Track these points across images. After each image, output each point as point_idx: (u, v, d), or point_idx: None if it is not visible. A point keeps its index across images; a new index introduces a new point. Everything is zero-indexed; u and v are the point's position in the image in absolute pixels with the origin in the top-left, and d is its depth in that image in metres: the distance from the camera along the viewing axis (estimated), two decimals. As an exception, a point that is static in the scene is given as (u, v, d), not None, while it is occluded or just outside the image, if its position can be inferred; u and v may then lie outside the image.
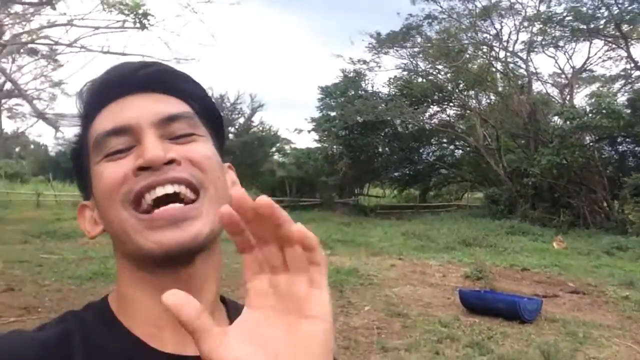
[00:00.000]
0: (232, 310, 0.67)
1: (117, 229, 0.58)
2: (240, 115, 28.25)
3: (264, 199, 0.39)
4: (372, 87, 24.55)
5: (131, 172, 0.56)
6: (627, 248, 12.02)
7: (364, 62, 23.89)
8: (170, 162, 0.56)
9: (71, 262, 8.23)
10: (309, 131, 24.75)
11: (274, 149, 28.24)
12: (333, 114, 20.60)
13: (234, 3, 9.56)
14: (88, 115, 0.63)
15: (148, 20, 7.55)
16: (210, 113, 0.67)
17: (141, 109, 0.60)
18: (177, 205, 0.56)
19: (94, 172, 0.60)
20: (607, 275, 9.35)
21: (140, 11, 7.35)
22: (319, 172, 22.85)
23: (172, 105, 0.61)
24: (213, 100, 0.69)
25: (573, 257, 11.46)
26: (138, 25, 7.56)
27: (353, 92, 22.80)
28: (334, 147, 23.22)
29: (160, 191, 0.55)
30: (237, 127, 27.81)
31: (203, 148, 0.61)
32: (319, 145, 24.41)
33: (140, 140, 0.58)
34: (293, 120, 70.91)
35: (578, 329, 5.95)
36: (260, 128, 28.51)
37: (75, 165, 0.66)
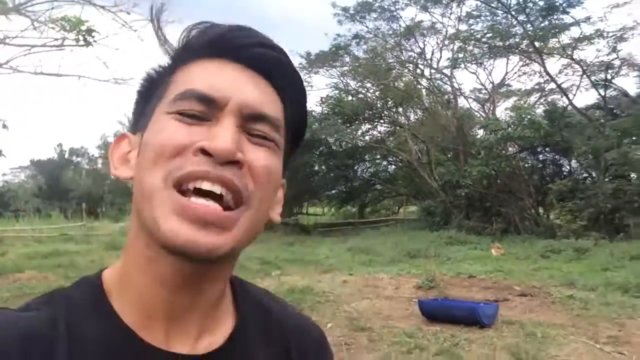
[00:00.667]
0: (240, 293, 0.65)
1: (145, 193, 0.52)
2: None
3: None
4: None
5: (192, 148, 0.51)
6: (559, 250, 12.70)
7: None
8: (234, 162, 0.52)
9: (6, 300, 7.53)
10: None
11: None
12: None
13: (173, 21, 9.27)
14: (185, 57, 0.58)
15: (93, 37, 7.15)
16: (299, 125, 0.63)
17: (239, 89, 0.55)
18: (216, 207, 0.51)
19: (158, 118, 0.55)
20: (547, 277, 9.79)
21: (84, 27, 6.95)
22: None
23: (268, 101, 0.57)
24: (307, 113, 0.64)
25: (512, 262, 11.94)
26: (82, 42, 7.14)
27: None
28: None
29: (206, 186, 0.51)
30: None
31: (271, 160, 0.56)
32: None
33: (219, 120, 0.53)
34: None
35: (536, 330, 6.14)
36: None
37: (142, 93, 0.61)
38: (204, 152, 0.51)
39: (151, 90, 0.60)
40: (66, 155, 39.52)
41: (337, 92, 25.33)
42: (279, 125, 0.57)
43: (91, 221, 26.71)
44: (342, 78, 25.05)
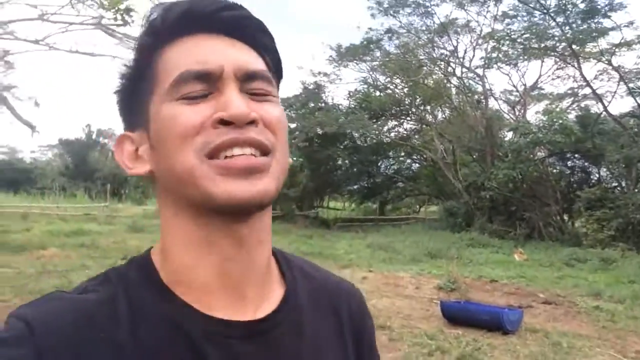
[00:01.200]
0: (283, 262, 0.68)
1: (183, 175, 0.55)
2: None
3: None
4: (332, 99, 24.65)
5: (210, 123, 0.55)
6: (585, 260, 12.39)
7: (325, 74, 23.99)
8: (251, 122, 0.55)
9: (29, 276, 7.64)
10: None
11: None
12: (293, 125, 20.49)
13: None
14: (158, 43, 0.59)
15: (131, 16, 7.11)
16: (278, 69, 0.66)
17: (226, 56, 0.57)
18: (251, 156, 0.55)
19: (162, 110, 0.57)
20: (572, 286, 9.55)
21: (122, 6, 6.90)
22: (279, 184, 22.60)
23: (254, 60, 0.60)
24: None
25: (535, 268, 11.69)
26: (119, 21, 7.09)
27: (313, 104, 22.79)
28: (294, 158, 23.08)
29: (237, 151, 0.54)
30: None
31: (276, 110, 0.60)
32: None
33: (221, 90, 0.56)
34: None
35: (561, 339, 5.97)
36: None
37: (128, 90, 0.62)
38: (223, 122, 0.54)
39: (134, 86, 0.61)
40: (94, 136, 40.06)
41: (365, 86, 25.14)
42: (270, 78, 0.61)
43: (115, 202, 27.06)
44: (371, 73, 24.81)
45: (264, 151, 0.56)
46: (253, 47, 0.61)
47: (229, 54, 0.58)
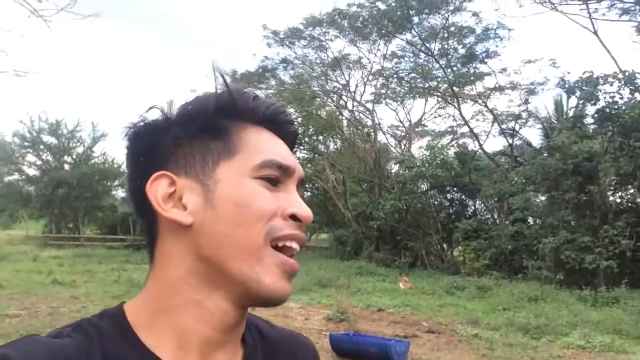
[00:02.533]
0: (248, 331, 0.69)
1: (246, 249, 0.59)
2: (79, 143, 25.78)
3: None
4: (227, 125, 24.20)
5: (282, 215, 0.61)
6: (463, 287, 13.08)
7: (218, 99, 23.57)
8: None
9: None
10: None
11: (116, 183, 26.10)
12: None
13: (91, 15, 8.59)
14: (234, 115, 0.64)
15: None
16: None
17: (295, 161, 0.65)
18: (295, 262, 0.62)
19: (244, 183, 0.61)
20: (453, 314, 9.97)
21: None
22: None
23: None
24: None
25: (419, 296, 12.10)
26: None
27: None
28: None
29: (294, 245, 0.61)
30: (74, 156, 25.25)
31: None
32: (167, 181, 23.20)
33: (288, 187, 0.64)
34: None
35: (445, 369, 6.12)
36: (102, 159, 26.26)
37: (191, 137, 0.63)
38: (293, 217, 0.61)
39: (202, 140, 0.63)
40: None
41: (259, 114, 25.03)
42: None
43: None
44: (265, 101, 24.82)
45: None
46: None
47: (294, 158, 0.66)
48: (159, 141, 0.64)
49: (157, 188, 0.61)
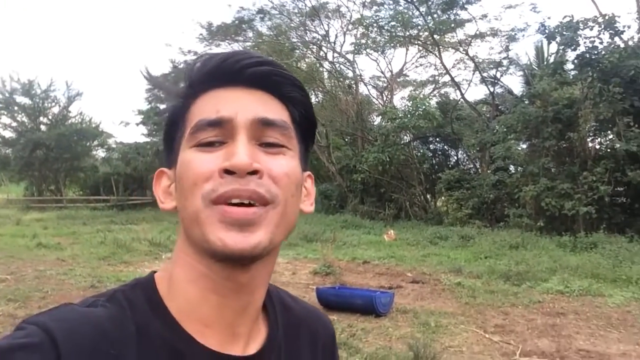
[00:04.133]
0: (266, 297, 0.69)
1: (191, 216, 0.59)
2: (54, 103, 25.08)
3: None
4: (204, 80, 23.76)
5: (217, 172, 0.58)
6: (446, 237, 13.32)
7: (195, 53, 23.01)
8: (254, 172, 0.58)
9: None
10: (137, 124, 23.05)
11: (95, 143, 25.64)
12: (163, 106, 19.37)
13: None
14: (193, 92, 0.64)
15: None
16: (308, 122, 0.68)
17: (243, 106, 0.61)
18: (247, 209, 0.58)
19: (182, 155, 0.62)
20: (436, 263, 10.18)
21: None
22: (149, 168, 21.36)
23: (273, 110, 0.63)
24: (313, 108, 0.70)
25: (404, 247, 12.31)
26: None
27: (184, 84, 21.78)
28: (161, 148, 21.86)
29: (237, 201, 0.58)
30: (50, 117, 24.60)
31: (287, 164, 0.62)
32: (148, 139, 22.83)
33: (233, 137, 0.60)
34: (118, 112, 64.70)
35: (429, 319, 6.28)
36: (79, 119, 25.63)
37: (167, 132, 0.67)
38: (227, 171, 0.58)
39: (173, 131, 0.65)
40: None
41: (238, 67, 24.56)
42: (287, 127, 0.63)
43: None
44: (244, 54, 24.29)
45: (263, 203, 0.58)
46: (279, 98, 0.64)
47: (245, 104, 0.61)
48: (165, 137, 0.68)
49: (158, 185, 0.67)
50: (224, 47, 23.50)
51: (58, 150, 23.29)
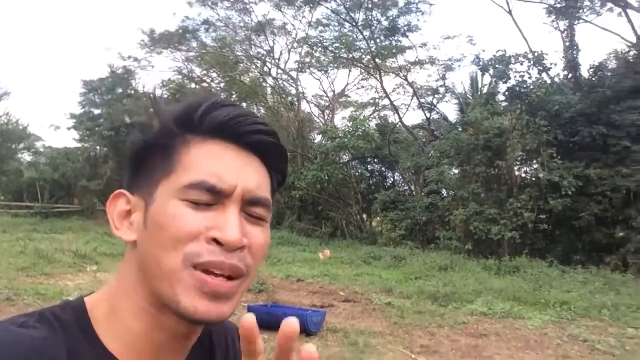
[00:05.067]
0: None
1: (165, 271, 0.59)
2: (-24, 102, 23.62)
3: (247, 320, 0.51)
4: (143, 87, 23.22)
5: (204, 236, 0.58)
6: (379, 257, 13.56)
7: (135, 59, 22.47)
8: (240, 247, 0.59)
9: None
10: (68, 128, 22.09)
11: (22, 146, 24.28)
12: (98, 111, 18.76)
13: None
14: (188, 131, 0.63)
15: None
16: (280, 182, 0.70)
17: (243, 177, 0.62)
18: (224, 282, 0.59)
19: (167, 202, 0.60)
20: (368, 283, 10.33)
21: None
22: (78, 175, 20.42)
23: (263, 184, 0.64)
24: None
25: (338, 266, 12.42)
26: None
27: (122, 90, 21.16)
28: (98, 148, 21.06)
29: (219, 272, 0.58)
30: (-28, 117, 23.17)
31: (264, 236, 0.64)
32: (79, 145, 21.90)
33: (224, 205, 0.60)
34: (49, 115, 61.68)
35: (358, 338, 6.34)
36: (5, 120, 24.24)
37: (137, 155, 0.65)
38: (216, 241, 0.58)
39: (149, 157, 0.63)
40: None
41: (180, 77, 24.19)
42: (270, 205, 0.65)
43: None
44: (186, 63, 24.03)
45: (239, 275, 0.60)
46: (267, 167, 0.65)
47: (245, 175, 0.61)
48: (132, 161, 0.66)
49: (114, 206, 0.65)
50: (166, 55, 23.14)
51: (-21, 152, 21.92)
